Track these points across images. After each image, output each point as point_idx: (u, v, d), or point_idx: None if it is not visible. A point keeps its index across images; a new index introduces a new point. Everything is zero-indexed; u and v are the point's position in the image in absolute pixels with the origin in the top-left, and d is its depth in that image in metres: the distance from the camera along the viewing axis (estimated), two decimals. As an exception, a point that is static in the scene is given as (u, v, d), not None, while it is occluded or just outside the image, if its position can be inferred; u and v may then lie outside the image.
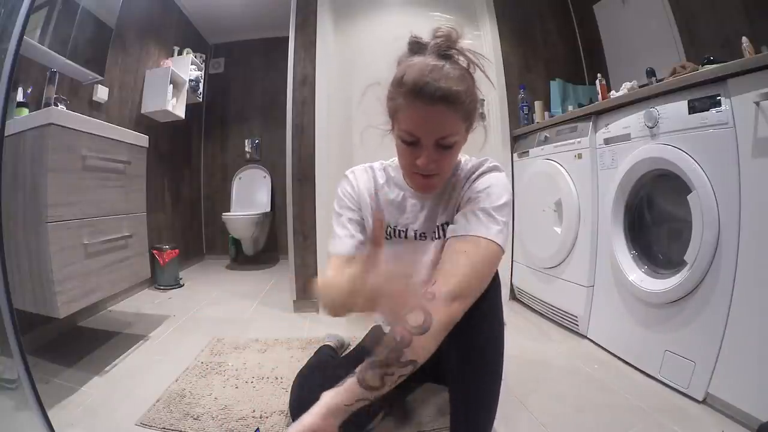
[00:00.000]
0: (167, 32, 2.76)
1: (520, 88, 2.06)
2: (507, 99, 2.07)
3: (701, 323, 1.01)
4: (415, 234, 0.82)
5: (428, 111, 0.64)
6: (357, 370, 0.61)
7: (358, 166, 0.90)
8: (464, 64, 0.69)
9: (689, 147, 1.05)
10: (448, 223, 0.77)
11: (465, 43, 0.69)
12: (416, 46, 0.70)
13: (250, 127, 3.49)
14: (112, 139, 1.42)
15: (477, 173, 0.76)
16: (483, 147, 0.83)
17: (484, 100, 2.06)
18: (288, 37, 2.03)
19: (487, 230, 0.67)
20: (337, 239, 0.80)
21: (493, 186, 0.73)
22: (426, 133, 0.66)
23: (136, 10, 2.28)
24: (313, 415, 0.58)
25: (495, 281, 0.74)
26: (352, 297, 0.57)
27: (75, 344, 1.47)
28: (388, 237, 0.84)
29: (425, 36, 0.70)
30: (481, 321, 0.70)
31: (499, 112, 2.05)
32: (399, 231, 0.83)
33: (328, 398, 0.60)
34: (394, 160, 0.87)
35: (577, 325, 1.52)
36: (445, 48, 0.67)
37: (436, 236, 0.80)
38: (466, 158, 0.83)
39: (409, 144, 0.68)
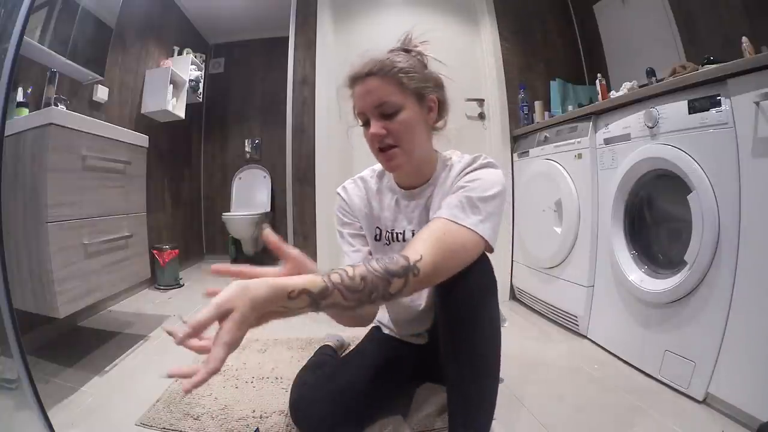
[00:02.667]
0: (167, 32, 2.76)
1: (520, 88, 2.06)
2: (507, 99, 2.07)
3: (701, 323, 1.01)
4: (413, 234, 0.82)
5: (361, 87, 0.73)
6: (349, 273, 0.52)
7: (347, 182, 0.94)
8: (418, 57, 0.78)
9: (689, 147, 1.05)
10: None
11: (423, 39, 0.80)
12: None
13: (250, 127, 3.48)
14: (112, 139, 1.42)
15: (470, 168, 0.77)
16: (484, 144, 0.85)
17: (484, 99, 2.07)
18: (288, 37, 2.04)
19: (466, 218, 0.66)
20: (346, 257, 0.86)
21: (483, 178, 0.73)
22: (366, 105, 0.73)
23: (136, 10, 2.28)
24: (259, 286, 0.47)
25: (491, 281, 0.74)
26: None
27: (75, 344, 1.47)
28: (388, 242, 0.86)
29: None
30: (478, 321, 0.70)
31: (499, 112, 2.06)
32: (396, 234, 0.84)
33: (287, 281, 0.49)
34: None
35: (577, 325, 1.52)
36: (396, 48, 0.78)
37: None
38: (458, 154, 0.84)
39: (365, 126, 0.76)
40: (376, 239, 0.88)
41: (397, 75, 0.72)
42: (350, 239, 0.88)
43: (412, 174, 0.82)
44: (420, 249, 0.59)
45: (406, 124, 0.73)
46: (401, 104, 0.72)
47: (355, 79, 0.74)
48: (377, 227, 0.88)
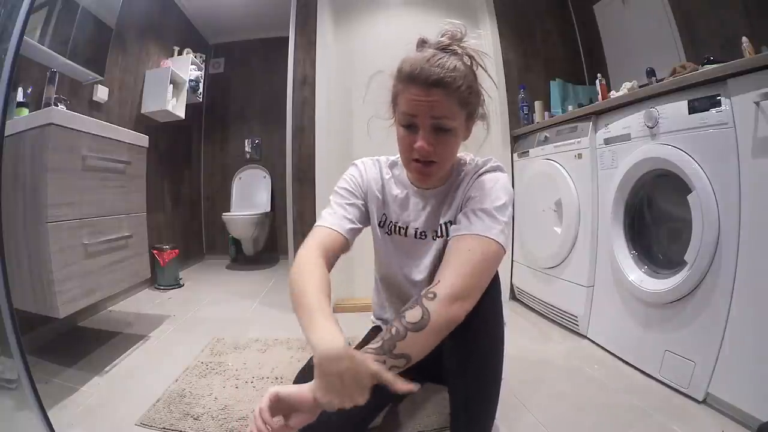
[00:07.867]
0: (167, 32, 2.76)
1: (520, 88, 2.06)
2: (507, 99, 2.07)
3: (701, 323, 1.01)
4: (416, 232, 0.82)
5: (424, 93, 0.66)
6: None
7: (366, 158, 0.90)
8: (467, 62, 0.71)
9: (689, 147, 1.05)
10: (451, 222, 0.77)
11: (470, 42, 0.72)
12: (422, 44, 0.73)
13: (250, 127, 3.49)
14: (112, 139, 1.42)
15: (479, 172, 0.77)
16: (483, 144, 0.84)
17: (484, 99, 2.07)
18: (288, 37, 2.04)
19: (489, 230, 0.67)
20: (332, 214, 0.80)
21: (495, 186, 0.73)
22: (422, 113, 0.68)
23: (136, 10, 2.28)
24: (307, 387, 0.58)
25: (495, 282, 0.74)
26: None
27: (75, 344, 1.47)
28: (389, 233, 0.85)
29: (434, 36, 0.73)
30: (481, 321, 0.69)
31: (499, 112, 2.06)
32: (399, 227, 0.84)
33: None
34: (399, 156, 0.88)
35: (577, 325, 1.52)
36: (447, 44, 0.70)
37: (438, 234, 0.80)
38: (470, 157, 0.83)
39: (408, 128, 0.70)
40: (380, 225, 0.87)
41: (462, 94, 0.68)
42: (347, 206, 0.83)
43: (432, 180, 0.81)
44: (449, 293, 0.60)
45: (453, 146, 0.73)
46: (456, 127, 0.70)
47: (417, 80, 0.67)
48: (384, 213, 0.86)
